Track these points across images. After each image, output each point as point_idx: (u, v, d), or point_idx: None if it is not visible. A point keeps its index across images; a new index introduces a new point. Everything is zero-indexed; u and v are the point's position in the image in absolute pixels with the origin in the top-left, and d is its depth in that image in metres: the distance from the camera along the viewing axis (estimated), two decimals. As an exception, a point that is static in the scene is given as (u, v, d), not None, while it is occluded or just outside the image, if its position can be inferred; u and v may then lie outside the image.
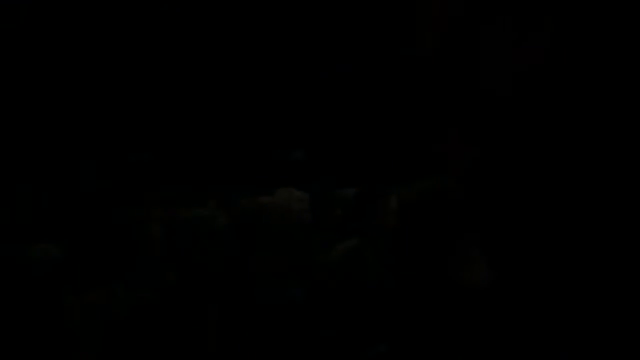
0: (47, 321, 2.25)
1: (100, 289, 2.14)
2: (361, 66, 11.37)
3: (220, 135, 11.88)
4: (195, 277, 3.41)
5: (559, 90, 3.79)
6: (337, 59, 11.52)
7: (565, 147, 3.69)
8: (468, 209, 2.46)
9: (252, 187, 6.69)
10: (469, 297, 2.40)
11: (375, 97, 11.24)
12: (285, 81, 11.76)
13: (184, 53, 11.97)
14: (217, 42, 11.88)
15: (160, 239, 2.73)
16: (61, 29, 11.14)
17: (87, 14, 11.40)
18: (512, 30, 4.13)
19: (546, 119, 3.79)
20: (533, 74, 3.91)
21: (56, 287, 2.41)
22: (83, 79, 11.45)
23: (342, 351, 2.86)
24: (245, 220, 3.39)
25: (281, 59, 11.85)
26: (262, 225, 3.34)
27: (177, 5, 11.68)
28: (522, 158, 3.83)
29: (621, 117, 3.58)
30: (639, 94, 3.56)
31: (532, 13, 4.05)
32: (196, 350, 2.70)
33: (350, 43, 11.37)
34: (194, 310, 2.85)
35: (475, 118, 4.31)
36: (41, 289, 2.95)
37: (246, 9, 11.65)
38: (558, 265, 3.28)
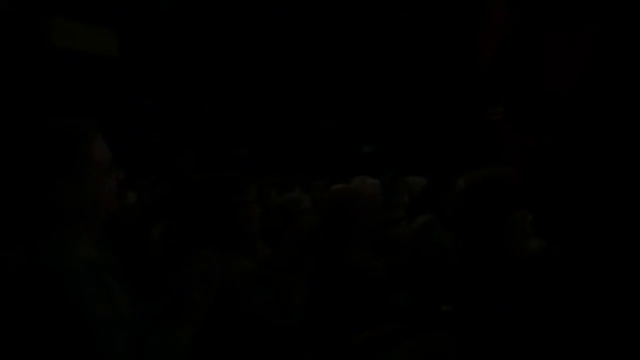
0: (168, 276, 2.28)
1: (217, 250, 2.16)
2: (426, 69, 11.29)
3: (302, 133, 11.97)
4: (286, 250, 3.45)
5: (609, 89, 3.73)
6: (404, 62, 11.45)
7: (612, 138, 3.65)
8: (523, 190, 2.48)
9: (331, 175, 6.73)
10: (521, 264, 2.42)
11: (440, 97, 11.16)
12: (358, 84, 11.75)
13: (269, 60, 12.05)
14: (296, 49, 11.92)
15: (259, 218, 2.78)
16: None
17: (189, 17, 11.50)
18: (566, 34, 4.07)
19: (599, 114, 3.74)
20: (587, 75, 3.86)
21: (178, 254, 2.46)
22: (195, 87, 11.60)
23: (414, 312, 2.87)
24: (326, 203, 3.42)
25: (354, 64, 11.83)
26: (339, 207, 3.36)
27: (258, 13, 11.72)
28: (576, 148, 3.79)
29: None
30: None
31: (579, 19, 3.99)
32: (287, 316, 2.73)
33: (417, 47, 11.28)
34: (285, 279, 2.88)
35: (535, 114, 4.26)
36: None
37: (325, 16, 11.64)
38: (599, 238, 3.24)
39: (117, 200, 1.97)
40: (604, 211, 3.49)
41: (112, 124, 2.03)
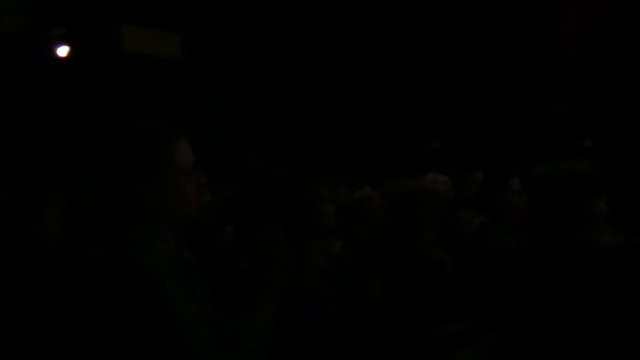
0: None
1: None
2: (493, 64, 11.15)
3: (371, 131, 11.96)
4: (358, 248, 3.49)
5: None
6: (472, 59, 11.33)
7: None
8: (605, 181, 2.47)
9: (400, 173, 6.74)
10: (595, 256, 2.39)
11: (508, 92, 11.03)
12: (426, 80, 11.68)
13: (336, 58, 12.06)
14: (364, 48, 11.91)
15: (333, 216, 2.82)
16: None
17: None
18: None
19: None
20: None
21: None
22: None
23: (487, 308, 2.87)
24: (396, 200, 3.43)
25: (421, 61, 11.77)
26: (410, 204, 3.37)
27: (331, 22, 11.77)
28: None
29: None
30: None
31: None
32: (361, 312, 2.76)
33: (485, 43, 11.15)
34: (358, 276, 2.93)
35: (624, 104, 4.20)
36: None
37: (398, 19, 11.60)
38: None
39: (197, 203, 2.01)
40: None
41: (181, 126, 2.08)
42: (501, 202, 4.15)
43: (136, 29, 10.85)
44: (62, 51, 9.74)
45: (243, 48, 11.70)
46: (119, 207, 1.92)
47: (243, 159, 9.83)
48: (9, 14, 9.42)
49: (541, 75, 10.50)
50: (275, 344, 1.95)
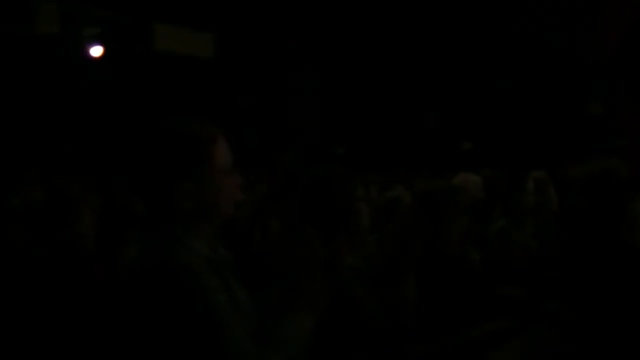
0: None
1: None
2: (525, 65, 11.08)
3: (403, 131, 11.94)
4: (390, 245, 3.49)
5: None
6: (503, 59, 11.26)
7: None
8: (634, 182, 2.45)
9: (432, 172, 6.74)
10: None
11: (539, 94, 10.95)
12: (460, 85, 11.63)
13: (367, 58, 12.05)
14: (398, 46, 11.88)
15: (367, 215, 2.84)
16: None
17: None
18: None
19: None
20: None
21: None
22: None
23: (522, 308, 2.86)
24: (426, 199, 3.43)
25: (454, 61, 11.71)
26: (440, 203, 3.37)
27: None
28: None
29: None
30: None
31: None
32: (395, 312, 2.76)
33: (518, 44, 11.07)
34: (392, 275, 2.93)
35: None
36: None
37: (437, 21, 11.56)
38: None
39: (234, 203, 2.03)
40: None
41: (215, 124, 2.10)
42: (517, 202, 4.19)
43: (168, 28, 10.96)
44: (96, 51, 9.86)
45: (274, 47, 11.75)
46: (158, 206, 1.95)
47: (274, 158, 9.87)
48: (44, 16, 9.55)
49: (576, 75, 10.43)
50: (310, 344, 1.97)
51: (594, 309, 2.43)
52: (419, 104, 11.88)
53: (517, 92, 11.21)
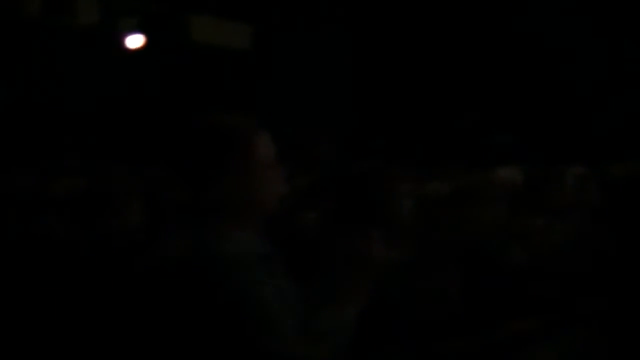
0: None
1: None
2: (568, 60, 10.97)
3: (441, 122, 11.88)
4: (429, 239, 3.51)
5: None
6: (546, 54, 11.16)
7: None
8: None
9: (470, 165, 6.71)
10: None
11: (580, 89, 10.84)
12: (501, 77, 11.53)
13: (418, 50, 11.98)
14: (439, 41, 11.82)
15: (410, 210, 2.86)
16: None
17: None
18: None
19: None
20: None
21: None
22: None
23: (563, 305, 2.87)
24: (465, 192, 3.45)
25: (495, 55, 11.61)
26: (478, 198, 3.39)
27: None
28: None
29: None
30: None
31: None
32: (438, 307, 2.78)
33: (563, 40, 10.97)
34: (431, 266, 2.95)
35: None
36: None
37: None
38: None
39: (279, 196, 2.07)
40: None
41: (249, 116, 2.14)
42: (556, 198, 4.16)
43: (206, 19, 11.02)
44: (136, 42, 9.93)
45: (310, 38, 11.76)
46: (201, 198, 1.98)
47: (313, 149, 9.90)
48: (84, 8, 9.69)
49: (617, 71, 10.32)
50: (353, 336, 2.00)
51: (634, 308, 2.43)
52: (458, 95, 11.80)
53: (557, 86, 11.10)
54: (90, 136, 9.67)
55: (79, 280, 3.20)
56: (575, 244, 3.93)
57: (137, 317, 2.80)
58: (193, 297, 1.85)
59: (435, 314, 2.76)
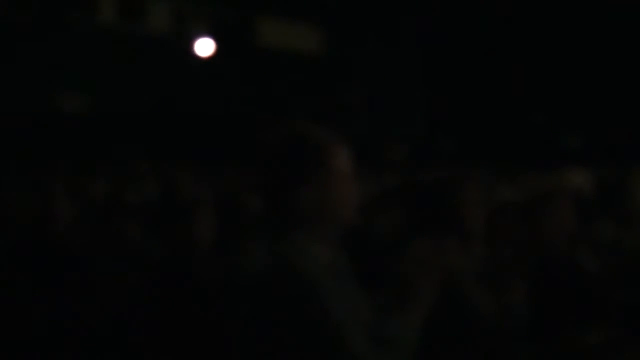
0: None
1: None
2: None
3: (511, 125, 11.74)
4: (500, 247, 3.50)
5: None
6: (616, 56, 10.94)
7: None
8: None
9: (539, 168, 6.63)
10: None
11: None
12: (572, 79, 11.34)
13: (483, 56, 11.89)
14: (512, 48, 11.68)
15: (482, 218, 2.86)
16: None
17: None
18: None
19: None
20: None
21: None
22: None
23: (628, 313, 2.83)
24: (538, 200, 3.42)
25: (565, 57, 11.43)
26: (547, 204, 3.35)
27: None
28: None
29: None
30: None
31: None
32: (508, 315, 2.77)
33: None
34: (503, 274, 2.94)
35: None
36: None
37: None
38: None
39: (355, 208, 2.07)
40: None
41: (321, 121, 2.16)
42: (627, 202, 4.07)
43: (276, 23, 11.12)
44: (206, 48, 10.04)
45: (380, 44, 11.77)
46: (279, 210, 2.00)
47: (385, 155, 9.91)
48: (155, 16, 9.91)
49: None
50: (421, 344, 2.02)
51: None
52: (526, 97, 11.67)
53: (629, 87, 10.88)
54: (162, 142, 9.85)
55: (154, 288, 3.23)
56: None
57: (210, 328, 2.85)
58: (274, 314, 1.88)
59: (508, 323, 2.75)
